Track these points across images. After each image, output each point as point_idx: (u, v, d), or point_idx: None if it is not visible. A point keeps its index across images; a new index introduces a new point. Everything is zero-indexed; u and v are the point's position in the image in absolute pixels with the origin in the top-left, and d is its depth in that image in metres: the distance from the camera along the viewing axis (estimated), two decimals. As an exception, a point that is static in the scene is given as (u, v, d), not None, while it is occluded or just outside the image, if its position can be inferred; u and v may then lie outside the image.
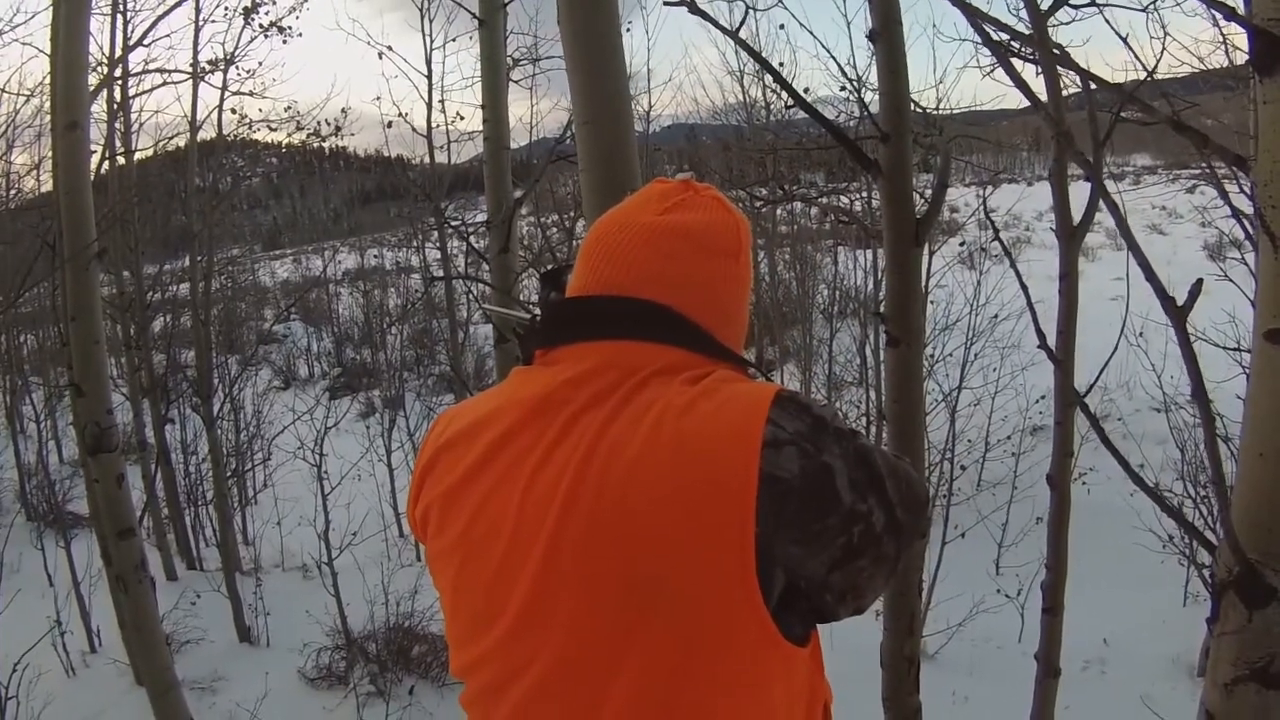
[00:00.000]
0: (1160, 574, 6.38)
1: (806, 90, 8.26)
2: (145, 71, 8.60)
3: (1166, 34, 3.36)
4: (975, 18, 2.30)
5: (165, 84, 8.65)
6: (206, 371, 8.29)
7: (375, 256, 23.80)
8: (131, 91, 8.66)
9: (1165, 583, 6.48)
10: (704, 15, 2.85)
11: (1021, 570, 5.92)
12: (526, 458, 0.93)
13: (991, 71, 3.66)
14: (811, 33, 15.68)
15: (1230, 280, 5.30)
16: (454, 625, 1.02)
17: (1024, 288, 2.59)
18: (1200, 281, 1.58)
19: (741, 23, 2.85)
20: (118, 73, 8.08)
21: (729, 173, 15.88)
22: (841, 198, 9.01)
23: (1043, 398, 8.77)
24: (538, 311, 1.32)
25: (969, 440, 8.98)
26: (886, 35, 2.71)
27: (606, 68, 1.99)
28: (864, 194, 9.26)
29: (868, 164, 2.73)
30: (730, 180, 16.00)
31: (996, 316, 8.59)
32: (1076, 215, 2.87)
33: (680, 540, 0.83)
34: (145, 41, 7.99)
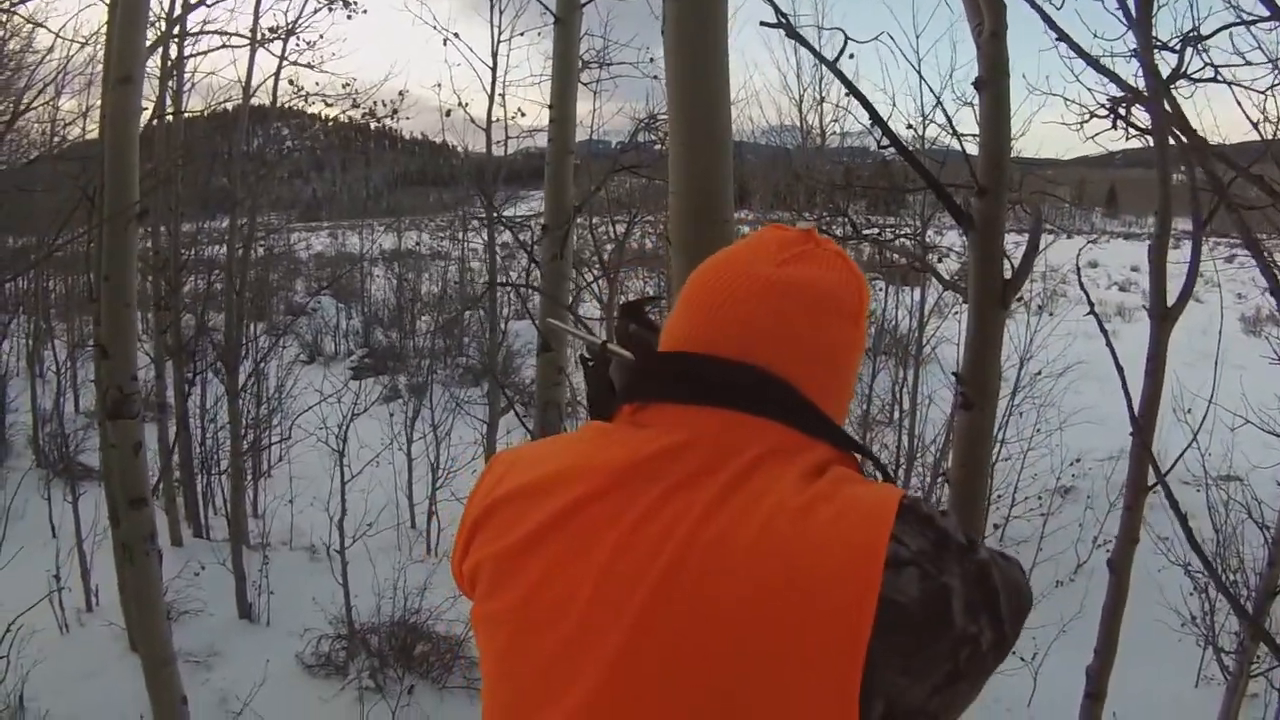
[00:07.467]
0: (1176, 652, 6.27)
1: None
2: (203, 32, 8.56)
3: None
4: (1102, 72, 2.18)
5: (224, 46, 8.62)
6: (235, 340, 8.23)
7: (414, 241, 23.77)
8: (188, 51, 8.64)
9: (1180, 661, 6.38)
10: (802, 40, 2.73)
11: (1039, 633, 5.77)
12: (605, 532, 0.83)
13: (1081, 128, 3.50)
14: (920, 74, 14.89)
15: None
16: (494, 696, 0.91)
17: (1119, 369, 2.45)
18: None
19: (840, 53, 2.71)
20: (176, 30, 8.05)
21: (772, 195, 15.63)
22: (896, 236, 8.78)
23: (1077, 460, 8.63)
24: (604, 338, 1.23)
25: (998, 495, 8.82)
26: (993, 85, 2.60)
27: (711, 90, 1.87)
28: (914, 231, 9.04)
29: (961, 216, 2.60)
30: (774, 202, 15.75)
31: (1040, 374, 8.42)
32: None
33: (781, 659, 0.74)
34: (207, 1, 8.00)
